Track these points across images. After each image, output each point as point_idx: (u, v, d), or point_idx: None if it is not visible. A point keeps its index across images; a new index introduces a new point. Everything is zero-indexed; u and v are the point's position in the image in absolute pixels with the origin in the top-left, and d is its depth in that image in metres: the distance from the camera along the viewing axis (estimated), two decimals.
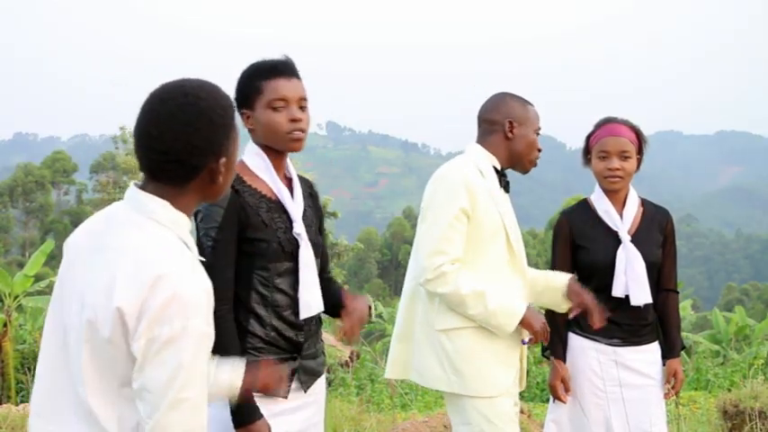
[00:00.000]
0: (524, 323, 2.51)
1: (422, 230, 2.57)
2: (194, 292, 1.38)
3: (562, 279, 2.73)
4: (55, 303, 1.52)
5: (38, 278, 10.64)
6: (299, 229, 2.15)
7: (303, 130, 2.16)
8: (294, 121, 2.12)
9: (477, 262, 2.50)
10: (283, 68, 2.14)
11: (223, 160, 1.49)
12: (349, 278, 35.68)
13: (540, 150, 2.66)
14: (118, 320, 1.36)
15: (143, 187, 1.49)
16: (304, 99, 2.16)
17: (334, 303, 2.30)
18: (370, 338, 18.37)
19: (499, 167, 2.61)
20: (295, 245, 2.14)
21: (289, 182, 2.24)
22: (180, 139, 1.43)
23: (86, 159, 54.95)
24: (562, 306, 2.74)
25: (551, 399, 2.96)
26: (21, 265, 32.90)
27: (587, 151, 2.94)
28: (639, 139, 2.88)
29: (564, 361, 2.90)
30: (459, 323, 2.51)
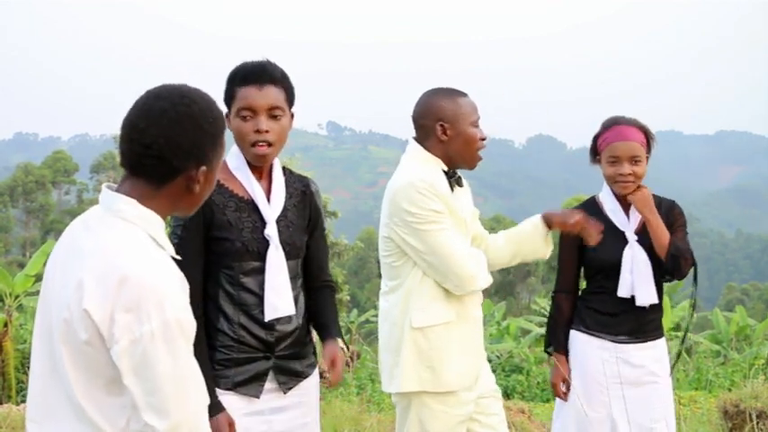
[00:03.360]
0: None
1: (425, 244, 2.45)
2: (164, 285, 1.38)
3: (532, 220, 2.71)
4: (40, 306, 1.53)
5: (38, 278, 10.64)
6: (271, 231, 2.14)
7: (269, 143, 2.13)
8: (258, 132, 2.11)
9: None
10: (256, 76, 2.13)
11: (203, 169, 1.50)
12: (349, 278, 35.66)
13: (483, 140, 2.54)
14: (89, 323, 1.36)
15: (117, 188, 1.50)
16: (276, 108, 2.13)
17: (320, 324, 2.31)
18: (370, 338, 18.36)
19: (446, 169, 2.54)
20: (264, 245, 2.14)
21: (269, 182, 2.23)
22: (165, 135, 1.44)
23: (87, 159, 54.94)
24: (544, 249, 2.70)
25: (557, 399, 2.97)
26: (21, 265, 32.87)
27: (595, 152, 2.91)
28: (648, 139, 2.85)
29: (566, 358, 2.91)
30: (433, 320, 2.50)
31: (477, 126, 2.53)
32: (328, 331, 2.31)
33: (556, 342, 2.95)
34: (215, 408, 1.98)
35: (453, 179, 2.57)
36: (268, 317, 2.14)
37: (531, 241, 2.68)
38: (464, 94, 2.55)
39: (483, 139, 2.55)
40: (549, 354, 3.00)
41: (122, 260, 1.38)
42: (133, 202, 1.46)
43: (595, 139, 2.91)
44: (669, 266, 2.78)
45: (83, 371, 1.41)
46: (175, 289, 1.40)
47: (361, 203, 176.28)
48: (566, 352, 2.93)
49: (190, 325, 1.41)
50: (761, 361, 9.23)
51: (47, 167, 55.17)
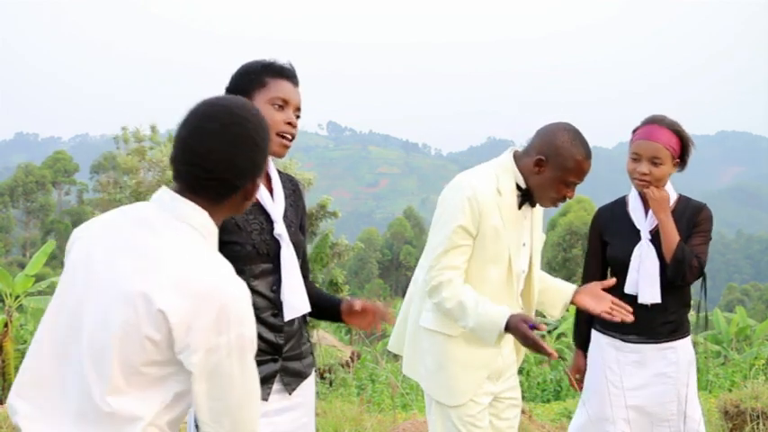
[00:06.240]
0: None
1: (429, 240, 2.58)
2: (241, 300, 1.43)
3: (568, 288, 2.73)
4: (67, 290, 1.49)
5: (39, 278, 10.65)
6: (280, 229, 2.13)
7: (293, 137, 2.18)
8: (290, 124, 2.14)
9: (477, 280, 2.50)
10: (291, 74, 2.18)
11: (258, 181, 1.56)
12: (349, 278, 35.68)
13: (563, 198, 2.50)
14: (162, 323, 1.37)
15: (179, 194, 1.52)
16: (300, 109, 2.20)
17: (318, 306, 2.31)
18: (370, 338, 18.37)
19: (524, 187, 2.52)
20: (273, 246, 2.12)
21: (269, 180, 2.23)
22: (226, 159, 1.47)
23: (87, 159, 55.00)
24: (557, 311, 2.74)
25: (581, 397, 3.01)
26: (22, 266, 32.91)
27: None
28: (682, 142, 2.81)
29: (585, 352, 2.98)
30: (437, 327, 2.57)
31: (568, 186, 2.46)
32: (337, 300, 2.34)
33: (574, 335, 3.06)
34: None
35: (528, 198, 2.54)
36: (287, 317, 2.12)
37: (553, 297, 2.73)
38: (587, 156, 2.44)
39: (563, 198, 2.50)
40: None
41: (204, 271, 1.41)
42: (204, 212, 1.50)
43: (633, 132, 2.90)
44: (671, 270, 2.77)
45: (127, 368, 1.40)
46: (248, 305, 1.45)
47: (362, 204, 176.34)
48: (583, 345, 3.00)
49: (255, 338, 1.47)
50: (761, 361, 9.22)
51: (47, 168, 55.25)
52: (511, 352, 2.68)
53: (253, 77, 2.14)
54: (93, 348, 1.41)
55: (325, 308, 2.33)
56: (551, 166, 2.43)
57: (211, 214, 1.52)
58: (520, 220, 2.55)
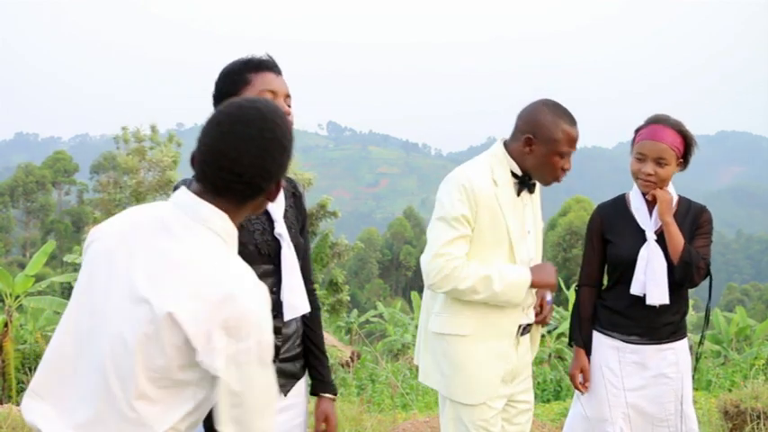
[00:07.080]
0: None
1: (429, 232, 2.58)
2: (262, 305, 1.42)
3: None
4: (88, 300, 1.48)
5: (39, 278, 10.66)
6: (281, 229, 2.12)
7: (291, 123, 2.17)
8: (287, 113, 2.09)
9: None
10: (271, 65, 2.16)
11: (281, 182, 1.56)
12: (349, 278, 35.65)
13: (564, 170, 2.52)
14: (181, 332, 1.37)
15: (200, 196, 1.50)
16: (289, 96, 2.17)
17: (312, 366, 2.28)
18: (371, 338, 18.40)
19: (519, 173, 2.54)
20: (274, 246, 2.11)
21: None
22: (257, 163, 1.46)
23: (87, 159, 55.02)
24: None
25: (574, 395, 2.99)
26: (22, 266, 32.93)
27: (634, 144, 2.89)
28: (686, 142, 2.81)
29: (587, 352, 2.93)
30: (447, 330, 2.57)
31: (562, 157, 2.48)
32: (322, 382, 2.29)
33: (576, 336, 2.98)
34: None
35: (525, 184, 2.56)
36: (287, 317, 2.11)
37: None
38: (571, 123, 2.49)
39: (564, 169, 2.52)
40: (572, 346, 3.04)
41: (223, 277, 1.40)
42: (225, 216, 1.49)
43: (636, 131, 2.88)
44: (680, 273, 2.77)
45: (150, 371, 1.40)
46: (268, 308, 1.44)
47: (362, 204, 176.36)
48: (586, 345, 2.95)
49: (273, 344, 1.46)
50: (761, 361, 9.22)
51: (47, 168, 55.28)
52: (526, 352, 2.67)
53: (236, 78, 2.12)
54: (115, 352, 1.40)
55: (309, 366, 2.29)
56: (541, 141, 2.46)
57: (232, 215, 1.51)
58: (520, 208, 2.56)
